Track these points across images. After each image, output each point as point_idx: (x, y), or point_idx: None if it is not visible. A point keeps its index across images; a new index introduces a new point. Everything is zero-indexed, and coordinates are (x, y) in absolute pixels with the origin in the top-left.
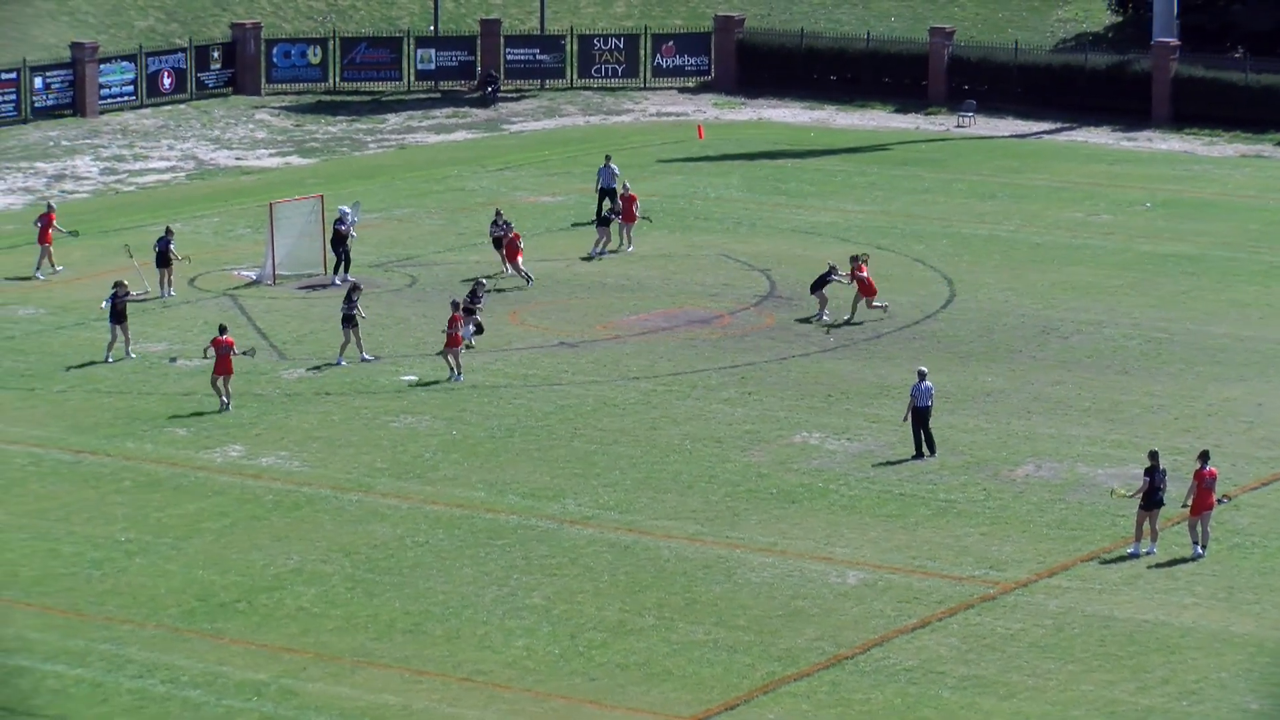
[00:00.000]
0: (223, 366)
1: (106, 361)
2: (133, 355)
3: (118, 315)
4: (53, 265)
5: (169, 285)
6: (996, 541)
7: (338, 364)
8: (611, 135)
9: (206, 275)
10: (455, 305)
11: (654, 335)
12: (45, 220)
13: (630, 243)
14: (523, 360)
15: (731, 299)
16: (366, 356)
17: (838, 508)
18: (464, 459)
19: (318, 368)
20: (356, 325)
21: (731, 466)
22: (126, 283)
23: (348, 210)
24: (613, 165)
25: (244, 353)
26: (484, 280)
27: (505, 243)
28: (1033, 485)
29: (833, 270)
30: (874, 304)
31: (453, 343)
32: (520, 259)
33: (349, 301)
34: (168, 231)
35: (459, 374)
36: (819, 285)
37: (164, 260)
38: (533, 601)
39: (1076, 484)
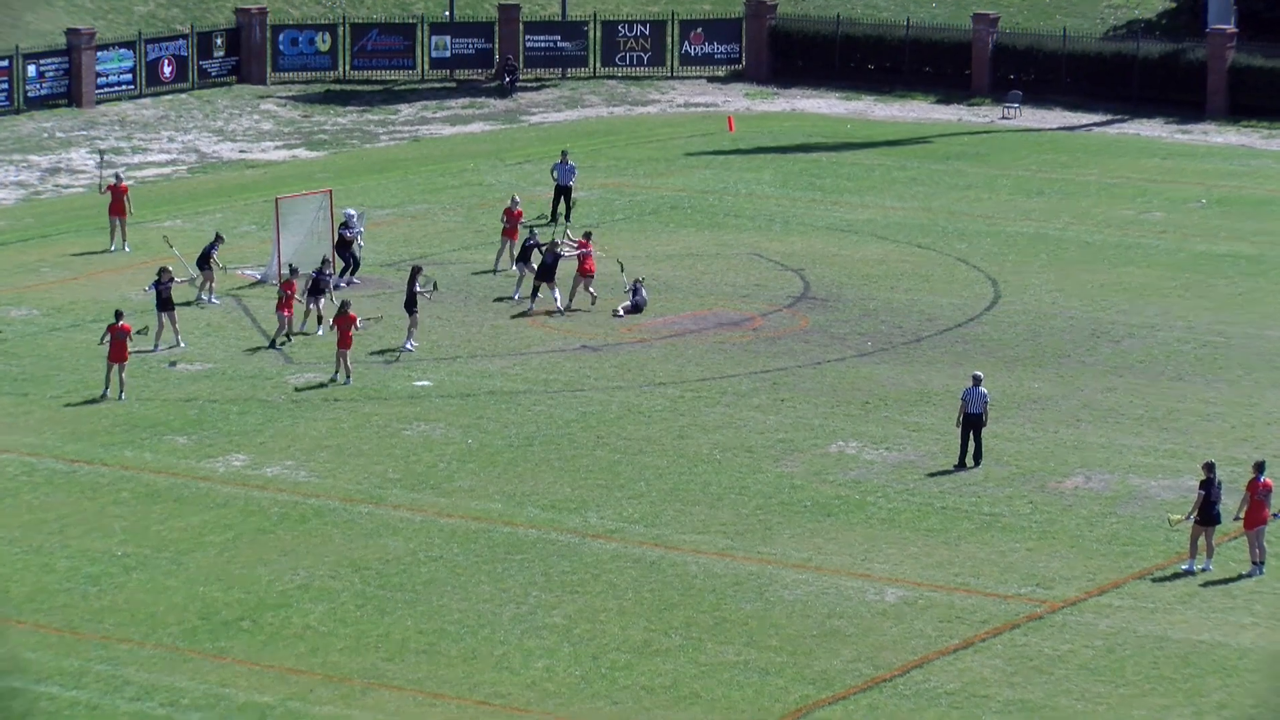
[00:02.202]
0: (117, 353)
1: (155, 351)
2: (183, 345)
3: (164, 303)
4: (125, 242)
5: (210, 291)
6: (1044, 557)
7: (407, 349)
8: (637, 127)
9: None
10: (298, 274)
11: (682, 338)
12: (116, 192)
13: (514, 263)
14: (543, 365)
15: (763, 300)
16: (409, 346)
17: (876, 521)
18: (481, 469)
19: (384, 352)
20: (418, 309)
21: (764, 477)
22: (170, 269)
23: (353, 214)
24: (570, 161)
25: (139, 332)
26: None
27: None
28: (1082, 498)
29: (543, 244)
30: (590, 289)
31: (343, 342)
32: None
33: (412, 283)
34: (217, 238)
35: (347, 377)
36: (524, 256)
37: (204, 263)
38: (553, 620)
39: (1128, 497)
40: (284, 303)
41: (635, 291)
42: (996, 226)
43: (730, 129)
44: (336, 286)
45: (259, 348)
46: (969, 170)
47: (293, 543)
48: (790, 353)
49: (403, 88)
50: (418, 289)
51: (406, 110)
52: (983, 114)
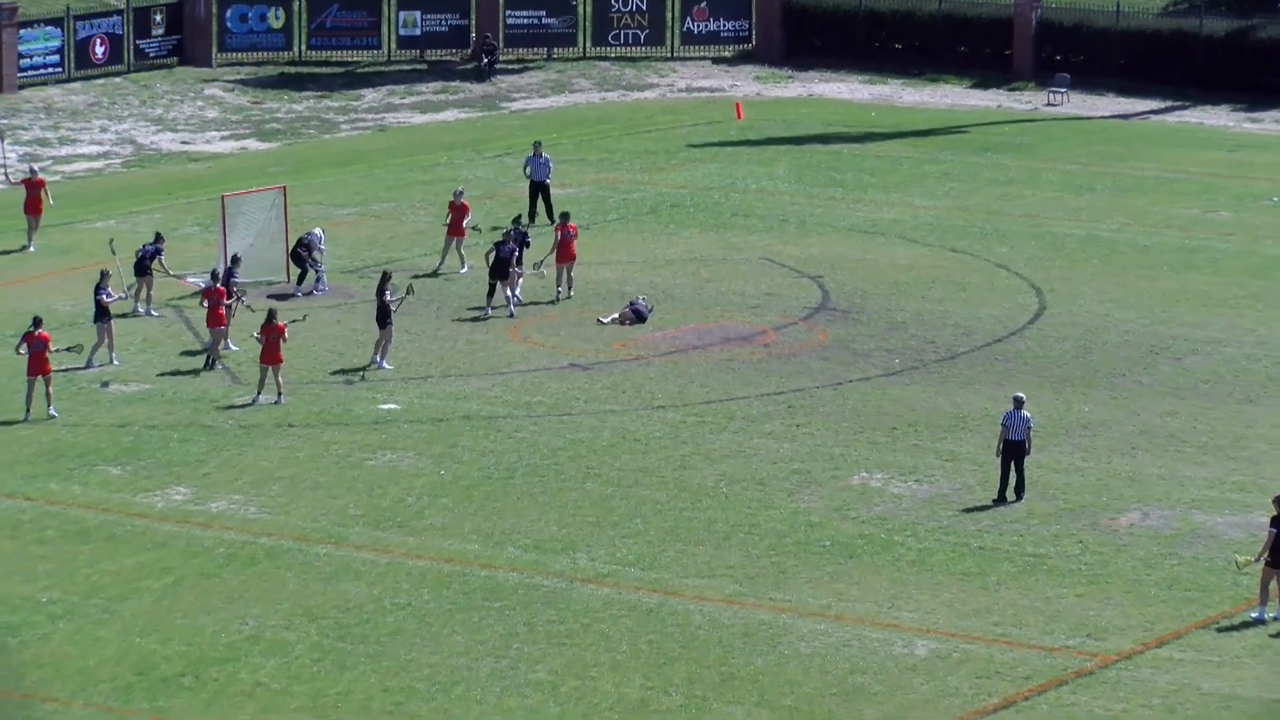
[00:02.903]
0: (37, 366)
1: (89, 369)
2: (117, 362)
3: (101, 312)
4: (31, 243)
5: (147, 301)
6: (1095, 604)
7: (381, 366)
8: (633, 115)
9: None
10: (215, 276)
11: (683, 355)
12: (31, 186)
13: (464, 263)
14: (525, 385)
15: (777, 311)
16: (383, 364)
17: (905, 563)
18: (455, 504)
19: (347, 372)
20: (391, 321)
21: (777, 514)
22: (110, 273)
23: (319, 235)
24: (544, 154)
25: (69, 349)
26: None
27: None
28: (1138, 537)
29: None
30: (571, 271)
31: (271, 358)
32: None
33: (382, 291)
34: (157, 239)
35: (278, 395)
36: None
37: (141, 270)
38: (537, 676)
39: (1191, 535)
40: (215, 311)
41: (634, 302)
42: (1041, 227)
43: (739, 117)
44: (294, 295)
45: (203, 367)
46: (1010, 164)
47: (241, 588)
48: (807, 371)
49: (366, 70)
50: (388, 298)
51: (371, 96)
52: (1025, 100)
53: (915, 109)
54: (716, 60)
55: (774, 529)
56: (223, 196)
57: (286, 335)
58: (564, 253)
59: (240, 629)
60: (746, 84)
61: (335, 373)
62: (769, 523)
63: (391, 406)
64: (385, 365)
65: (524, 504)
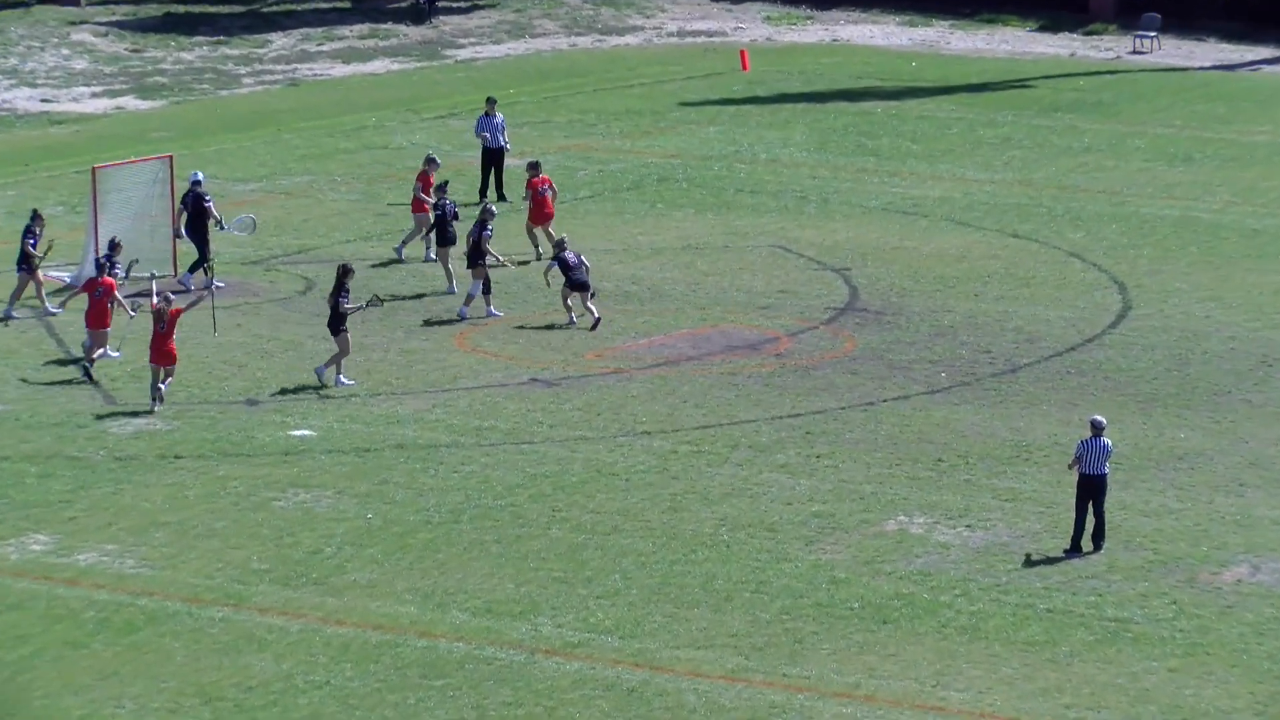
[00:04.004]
0: None
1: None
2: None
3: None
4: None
5: (10, 301)
6: (1193, 681)
7: (341, 382)
8: (611, 66)
9: None
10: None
11: (675, 368)
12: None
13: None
14: (475, 405)
15: (792, 313)
16: (340, 379)
17: (953, 630)
18: (386, 556)
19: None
20: (345, 328)
21: (792, 568)
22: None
23: (249, 222)
24: (498, 115)
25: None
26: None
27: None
28: (1247, 596)
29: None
30: (550, 230)
31: (162, 356)
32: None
33: (341, 292)
34: (34, 219)
35: (158, 400)
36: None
37: (25, 262)
38: None
39: None
40: (99, 307)
41: (565, 261)
42: (1126, 207)
43: (744, 67)
44: (185, 289)
45: (69, 381)
46: (1086, 126)
47: (116, 661)
48: (830, 389)
49: (274, 8)
50: (345, 301)
51: (280, 41)
52: (1105, 46)
53: (967, 58)
54: None
55: (788, 587)
56: (94, 169)
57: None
58: (539, 212)
59: (115, 711)
60: (754, 26)
61: (250, 401)
62: (782, 579)
63: (305, 433)
64: (343, 380)
65: (473, 555)
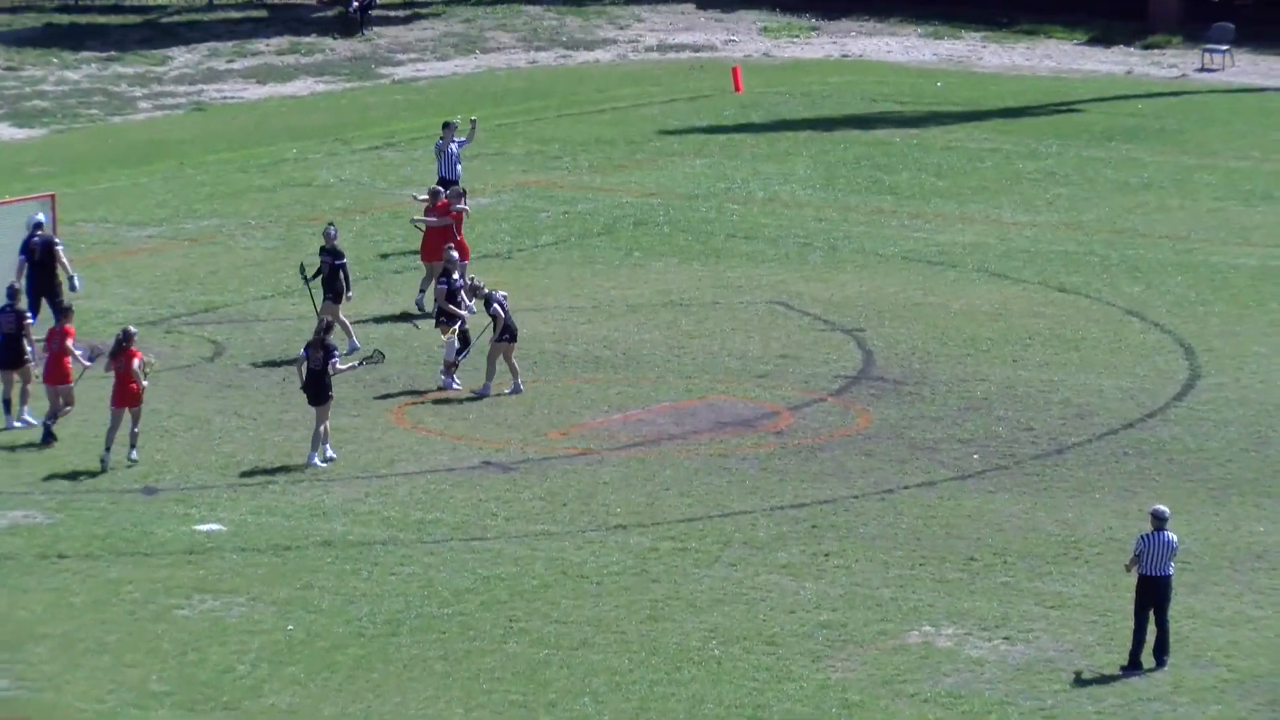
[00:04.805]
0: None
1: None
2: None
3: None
4: None
5: None
6: None
7: (314, 462)
8: (578, 86)
9: None
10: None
11: (655, 449)
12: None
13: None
14: (417, 494)
15: (795, 382)
16: (325, 456)
17: None
18: (309, 675)
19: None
20: (329, 398)
21: (796, 689)
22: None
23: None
24: (454, 143)
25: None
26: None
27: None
28: None
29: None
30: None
31: (125, 397)
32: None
33: (322, 350)
34: None
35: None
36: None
37: None
38: None
39: None
40: (58, 361)
41: (455, 293)
42: (1193, 255)
43: (737, 88)
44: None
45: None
46: (1146, 158)
47: None
48: (841, 473)
49: (175, 19)
50: (337, 360)
51: (183, 58)
52: (1168, 62)
53: (1003, 76)
54: (703, 3)
55: (791, 712)
56: None
57: (143, 368)
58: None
59: None
60: (749, 38)
61: (139, 476)
62: (784, 703)
63: (213, 528)
64: (321, 458)
65: (413, 675)
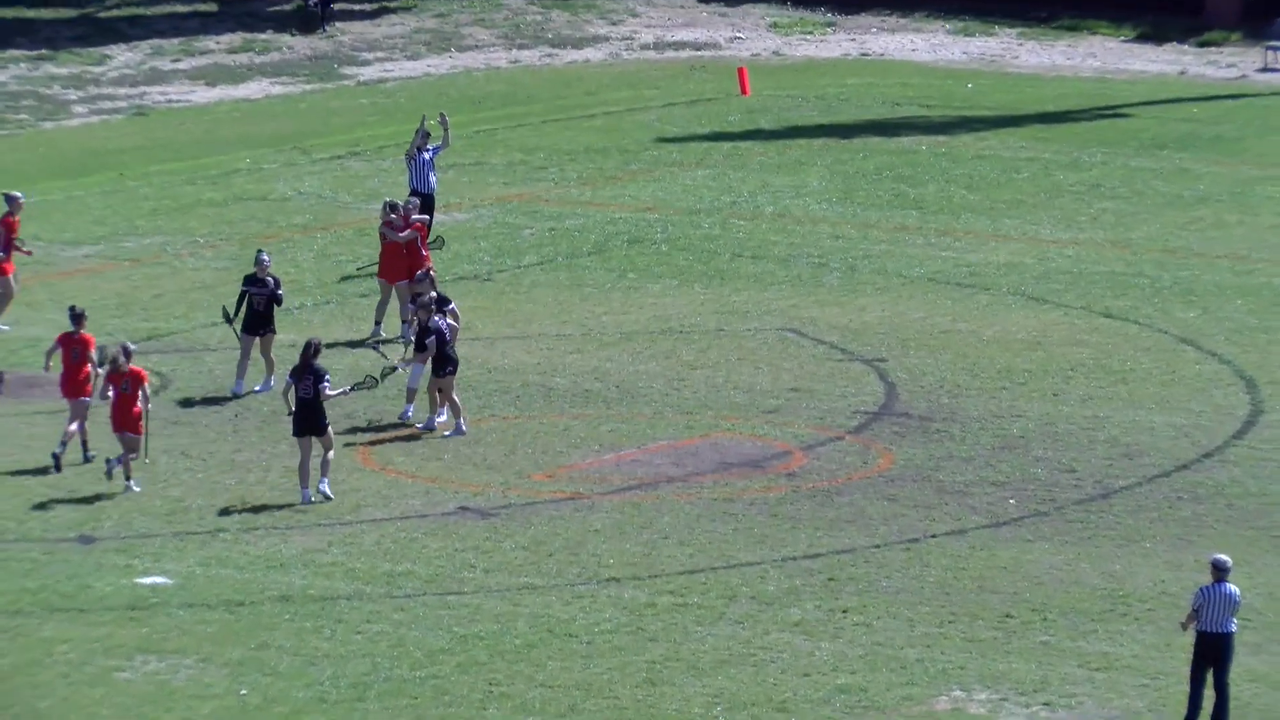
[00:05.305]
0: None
1: None
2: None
3: None
4: None
5: None
6: None
7: (308, 498)
8: (566, 89)
9: None
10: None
11: (652, 493)
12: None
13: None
14: (386, 543)
15: (808, 419)
16: (317, 491)
17: None
18: None
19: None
20: (328, 425)
21: None
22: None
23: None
24: (427, 150)
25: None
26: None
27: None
28: None
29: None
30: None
31: (125, 423)
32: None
33: (311, 374)
34: None
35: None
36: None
37: None
38: None
39: None
40: (77, 372)
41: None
42: (1254, 276)
43: (743, 91)
44: None
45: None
46: (1201, 169)
47: None
48: (860, 520)
49: (116, 13)
50: (327, 386)
51: (123, 56)
52: (1226, 61)
53: (1041, 77)
54: None
55: None
56: None
57: (146, 391)
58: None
59: None
60: (757, 35)
61: (76, 515)
62: None
63: (158, 580)
64: (316, 492)
65: None
